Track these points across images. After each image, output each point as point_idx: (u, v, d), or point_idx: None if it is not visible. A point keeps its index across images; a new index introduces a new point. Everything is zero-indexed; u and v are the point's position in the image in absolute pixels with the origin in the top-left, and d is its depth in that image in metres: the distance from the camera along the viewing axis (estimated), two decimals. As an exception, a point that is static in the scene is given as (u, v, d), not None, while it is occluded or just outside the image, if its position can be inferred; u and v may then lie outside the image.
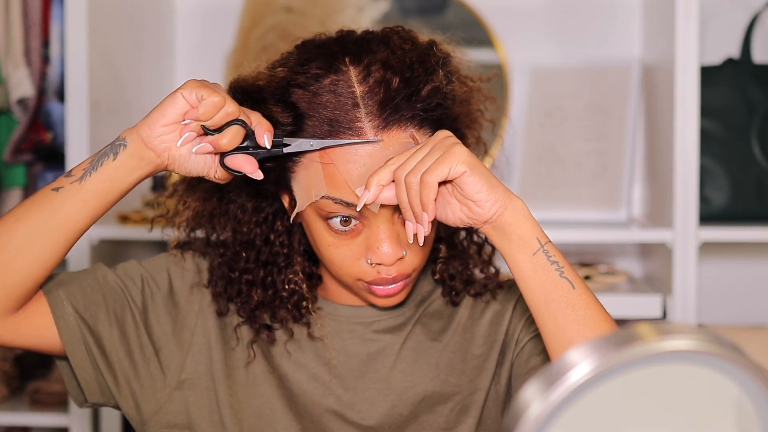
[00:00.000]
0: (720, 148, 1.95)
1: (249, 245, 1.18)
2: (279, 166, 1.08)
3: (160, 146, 1.03)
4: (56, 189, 1.04)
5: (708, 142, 1.94)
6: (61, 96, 1.96)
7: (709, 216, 1.93)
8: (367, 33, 1.12)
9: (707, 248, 2.00)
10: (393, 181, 1.01)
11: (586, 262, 2.07)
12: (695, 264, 1.82)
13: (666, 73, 1.90)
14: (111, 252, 1.99)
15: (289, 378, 1.18)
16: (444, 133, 1.02)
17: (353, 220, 1.07)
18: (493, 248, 1.24)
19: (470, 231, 1.24)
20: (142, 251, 2.12)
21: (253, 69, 1.12)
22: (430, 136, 1.06)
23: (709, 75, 1.94)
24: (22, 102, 1.97)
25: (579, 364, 0.60)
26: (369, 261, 1.08)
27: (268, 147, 1.03)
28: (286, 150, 1.04)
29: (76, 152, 1.88)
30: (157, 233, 1.28)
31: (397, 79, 1.04)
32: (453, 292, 1.22)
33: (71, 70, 1.87)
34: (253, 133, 1.03)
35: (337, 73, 1.05)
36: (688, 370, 0.62)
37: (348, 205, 1.05)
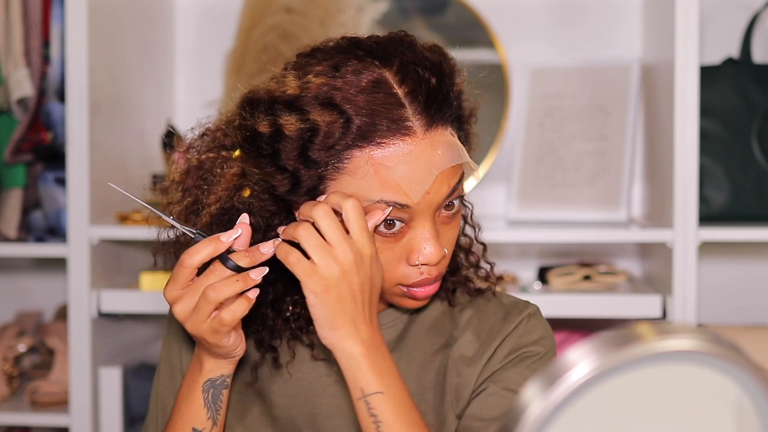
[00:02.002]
0: (720, 148, 1.95)
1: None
2: (320, 173, 1.04)
3: (235, 351, 1.07)
4: None
5: (708, 142, 1.94)
6: (61, 96, 1.96)
7: (709, 216, 1.93)
8: (377, 38, 1.09)
9: (707, 248, 2.00)
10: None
11: (586, 262, 2.07)
12: (695, 264, 1.82)
13: (666, 73, 1.90)
14: (111, 252, 1.99)
15: (279, 402, 1.17)
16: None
17: (398, 223, 1.05)
18: (485, 247, 1.23)
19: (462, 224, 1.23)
20: (142, 251, 2.12)
21: (264, 80, 1.08)
22: (457, 134, 1.07)
23: (709, 75, 1.94)
24: (22, 102, 1.97)
25: (579, 364, 0.60)
26: (417, 262, 1.06)
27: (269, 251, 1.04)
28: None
29: (76, 152, 1.88)
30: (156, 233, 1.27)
31: (435, 79, 1.04)
32: (451, 289, 1.20)
33: (71, 70, 1.87)
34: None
35: (373, 74, 1.02)
36: (688, 370, 0.62)
37: (402, 206, 1.03)
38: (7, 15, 1.96)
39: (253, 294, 1.03)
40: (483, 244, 1.24)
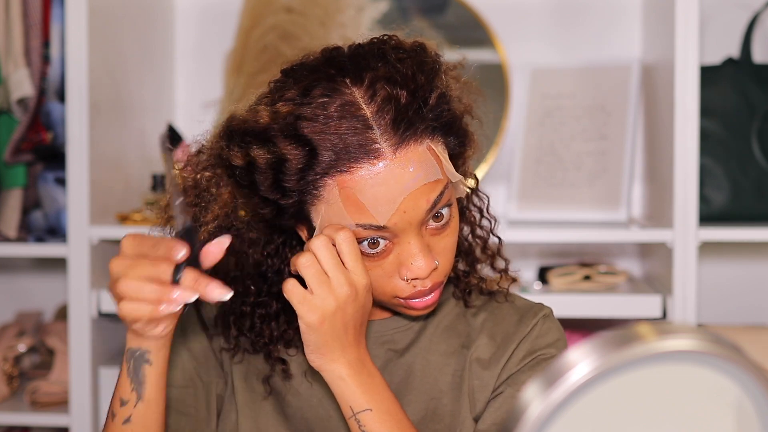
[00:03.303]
0: (720, 148, 1.95)
1: (260, 277, 1.16)
2: (297, 202, 1.05)
3: (165, 331, 1.02)
4: (127, 420, 1.06)
5: (708, 142, 1.94)
6: (61, 96, 1.96)
7: (709, 216, 1.93)
8: (357, 48, 1.08)
9: (707, 248, 2.00)
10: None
11: (586, 262, 2.07)
12: (695, 264, 1.82)
13: (666, 73, 1.90)
14: (111, 252, 1.99)
15: (304, 408, 1.17)
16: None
17: (381, 241, 1.05)
18: (500, 240, 1.23)
19: (473, 229, 1.23)
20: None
21: (244, 104, 1.08)
22: (442, 141, 1.05)
23: (709, 75, 1.94)
24: (22, 102, 1.97)
25: (579, 364, 0.60)
26: (405, 278, 1.06)
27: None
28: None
29: (76, 152, 1.88)
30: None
31: (405, 93, 1.02)
32: (466, 290, 1.21)
33: (71, 70, 1.87)
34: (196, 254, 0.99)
35: (342, 96, 1.02)
36: (688, 370, 0.62)
37: (378, 228, 1.03)
38: (7, 15, 1.96)
39: (172, 307, 0.97)
40: (499, 237, 1.24)
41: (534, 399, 0.60)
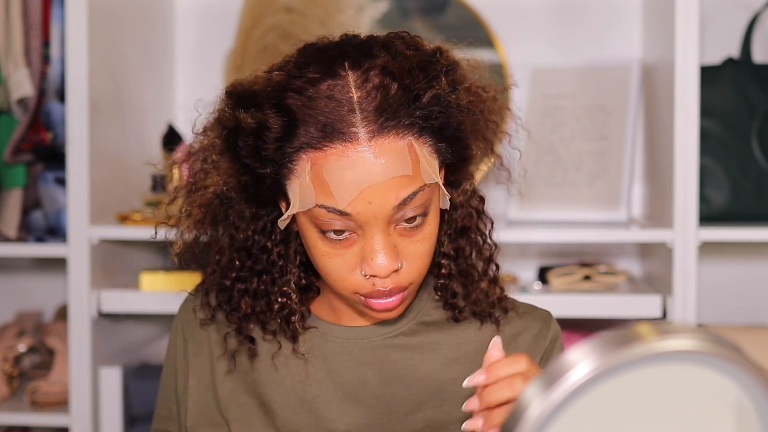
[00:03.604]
0: (720, 148, 1.95)
1: (245, 253, 1.16)
2: (274, 173, 1.05)
3: None
4: None
5: (708, 142, 1.94)
6: (61, 96, 1.96)
7: (709, 216, 1.93)
8: (370, 38, 1.08)
9: (707, 248, 2.00)
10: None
11: (586, 262, 2.07)
12: (695, 264, 1.82)
13: (666, 73, 1.90)
14: (111, 252, 1.99)
15: (269, 393, 1.16)
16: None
17: (346, 231, 1.04)
18: (498, 267, 1.22)
19: (478, 246, 1.21)
20: (142, 251, 2.12)
21: (252, 72, 1.10)
22: (431, 144, 1.04)
23: (709, 75, 1.94)
24: (22, 102, 1.97)
25: (579, 364, 0.60)
26: (363, 273, 1.05)
27: None
28: None
29: (76, 152, 1.88)
30: (158, 234, 1.27)
31: (396, 85, 1.02)
32: (456, 310, 1.19)
33: (71, 70, 1.87)
34: None
35: (334, 77, 1.02)
36: (688, 370, 0.62)
37: (341, 213, 1.02)
38: (7, 15, 1.95)
39: None
40: (495, 244, 1.22)
41: (534, 399, 0.60)
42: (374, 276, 1.05)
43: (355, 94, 1.01)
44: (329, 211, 1.02)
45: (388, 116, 1.01)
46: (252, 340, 1.17)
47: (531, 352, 1.17)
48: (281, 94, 1.03)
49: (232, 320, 1.17)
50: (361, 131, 1.01)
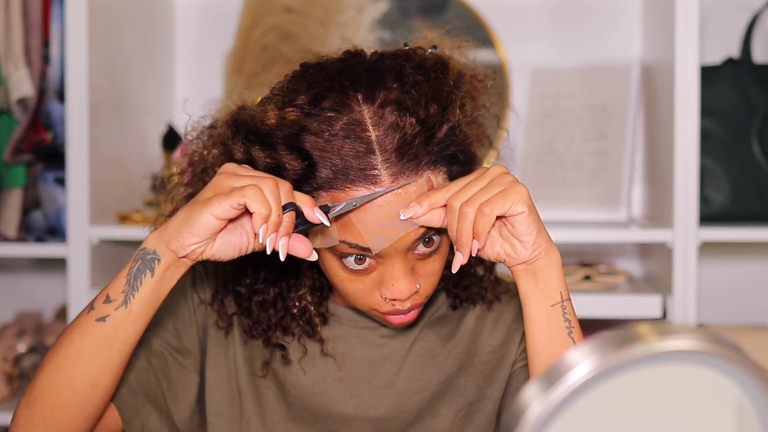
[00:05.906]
0: (720, 148, 1.95)
1: (258, 261, 1.16)
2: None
3: (194, 254, 1.00)
4: (101, 319, 1.01)
5: (708, 142, 1.94)
6: (61, 96, 1.96)
7: (709, 216, 1.93)
8: (377, 60, 1.07)
9: (707, 248, 2.00)
10: (444, 205, 1.00)
11: (586, 262, 2.07)
12: (695, 264, 1.82)
13: (666, 73, 1.90)
14: (111, 252, 1.99)
15: (298, 390, 1.18)
16: (501, 169, 1.01)
17: (368, 259, 1.05)
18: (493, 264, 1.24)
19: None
20: (142, 251, 2.12)
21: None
22: (445, 172, 1.04)
23: (709, 75, 1.94)
24: (22, 102, 1.97)
25: (579, 364, 0.59)
26: (384, 297, 1.06)
27: (326, 223, 0.98)
28: (331, 214, 1.00)
29: (76, 152, 1.88)
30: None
31: (413, 121, 1.01)
32: (457, 299, 1.22)
33: (71, 70, 1.87)
34: (300, 211, 0.99)
35: (350, 113, 1.00)
36: (688, 370, 0.62)
37: (363, 249, 1.03)
38: (7, 15, 1.95)
39: (308, 251, 1.00)
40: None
41: (534, 399, 0.60)
42: (394, 299, 1.06)
43: (372, 133, 1.00)
44: (351, 247, 1.03)
45: (410, 158, 1.01)
46: (283, 347, 1.18)
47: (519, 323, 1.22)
48: (297, 136, 1.01)
49: (257, 334, 1.17)
50: (383, 173, 1.00)
